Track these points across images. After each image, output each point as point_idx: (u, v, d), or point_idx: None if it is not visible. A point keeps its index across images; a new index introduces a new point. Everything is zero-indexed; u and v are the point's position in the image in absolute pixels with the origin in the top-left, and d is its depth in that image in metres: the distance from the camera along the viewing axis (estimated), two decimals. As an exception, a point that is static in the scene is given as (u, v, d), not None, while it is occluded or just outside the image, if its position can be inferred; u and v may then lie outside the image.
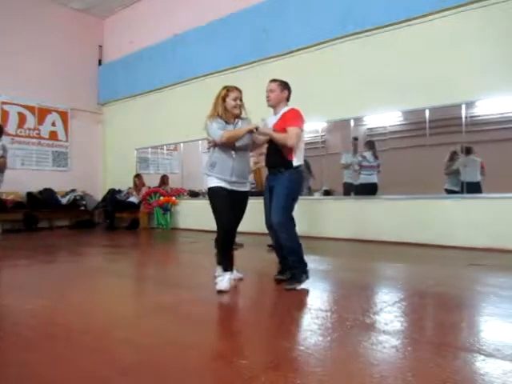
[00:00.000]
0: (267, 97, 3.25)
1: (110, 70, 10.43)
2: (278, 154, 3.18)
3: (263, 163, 4.97)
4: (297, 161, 3.18)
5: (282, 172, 3.16)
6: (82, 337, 2.12)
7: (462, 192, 5.72)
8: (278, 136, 3.11)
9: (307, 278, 3.11)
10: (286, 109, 3.25)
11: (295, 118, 3.16)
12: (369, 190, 6.50)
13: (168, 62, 8.94)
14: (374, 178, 6.64)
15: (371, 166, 6.65)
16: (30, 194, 8.82)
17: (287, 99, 3.31)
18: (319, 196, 7.09)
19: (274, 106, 3.27)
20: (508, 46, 5.04)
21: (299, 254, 3.12)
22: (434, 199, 5.60)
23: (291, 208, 3.16)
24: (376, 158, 6.71)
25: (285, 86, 3.29)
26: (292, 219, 3.15)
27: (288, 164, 3.16)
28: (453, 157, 6.32)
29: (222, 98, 3.06)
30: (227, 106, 3.05)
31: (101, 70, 10.69)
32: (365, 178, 6.64)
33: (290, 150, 3.13)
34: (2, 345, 2.05)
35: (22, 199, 8.67)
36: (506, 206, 5.01)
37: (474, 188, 5.84)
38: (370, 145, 6.80)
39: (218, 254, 3.19)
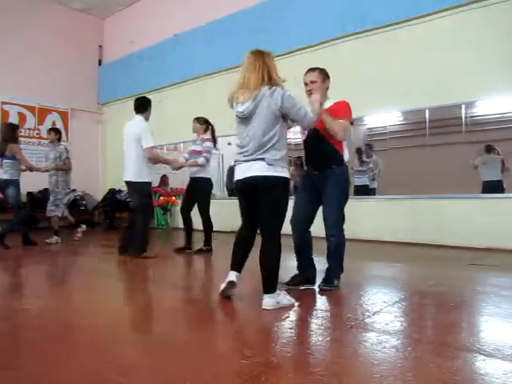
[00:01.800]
0: (308, 90, 2.96)
1: (110, 70, 10.42)
2: (327, 149, 2.93)
3: None
4: (346, 155, 3.01)
5: (332, 169, 2.93)
6: (83, 337, 2.12)
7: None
8: (332, 122, 2.79)
9: (339, 281, 3.05)
10: (329, 101, 2.97)
11: (344, 108, 2.90)
12: (361, 191, 7.09)
13: (168, 61, 8.94)
14: (364, 181, 7.24)
15: (359, 171, 7.28)
16: (30, 194, 8.83)
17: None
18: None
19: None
20: (508, 45, 5.04)
21: (342, 257, 3.10)
22: (433, 199, 5.60)
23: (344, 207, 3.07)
24: (362, 162, 7.30)
25: (326, 75, 2.99)
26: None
27: (340, 159, 2.95)
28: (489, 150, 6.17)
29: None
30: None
31: (101, 70, 10.69)
32: (357, 180, 7.21)
33: (340, 142, 2.94)
34: (4, 345, 2.05)
35: (23, 199, 8.66)
36: (506, 205, 5.01)
37: (495, 186, 5.90)
38: (356, 151, 7.29)
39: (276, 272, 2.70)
